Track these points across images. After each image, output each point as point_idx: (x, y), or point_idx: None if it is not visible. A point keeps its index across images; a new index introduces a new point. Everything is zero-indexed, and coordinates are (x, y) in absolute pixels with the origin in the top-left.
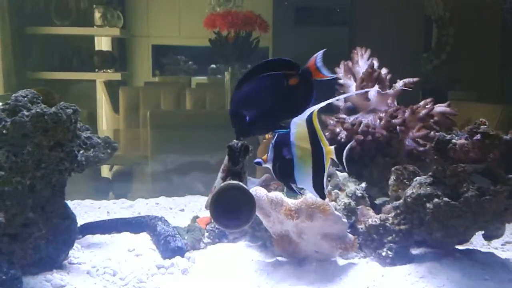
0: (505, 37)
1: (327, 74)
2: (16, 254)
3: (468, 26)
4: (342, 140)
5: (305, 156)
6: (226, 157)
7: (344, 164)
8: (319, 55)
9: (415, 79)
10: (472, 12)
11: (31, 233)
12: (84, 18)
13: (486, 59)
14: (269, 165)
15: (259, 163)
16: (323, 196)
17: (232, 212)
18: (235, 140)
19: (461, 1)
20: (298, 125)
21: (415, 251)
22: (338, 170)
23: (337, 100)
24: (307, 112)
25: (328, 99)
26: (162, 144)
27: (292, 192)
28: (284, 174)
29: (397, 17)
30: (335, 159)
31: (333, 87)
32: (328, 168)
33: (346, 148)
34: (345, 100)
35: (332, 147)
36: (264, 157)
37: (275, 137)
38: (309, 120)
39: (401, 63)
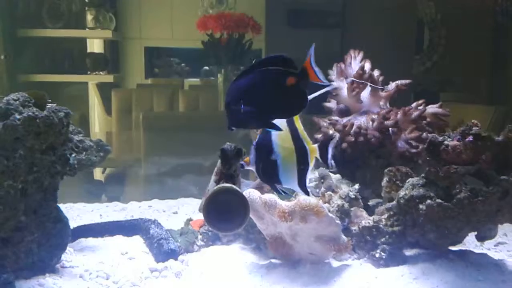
0: (496, 39)
1: (321, 78)
2: (9, 258)
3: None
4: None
5: (288, 156)
6: (219, 160)
7: (329, 162)
8: (312, 55)
9: (408, 81)
10: (464, 14)
11: (24, 237)
12: (76, 20)
13: (478, 61)
14: (252, 167)
15: (241, 166)
16: (307, 193)
17: (226, 215)
18: (228, 143)
19: (453, 3)
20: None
21: (408, 252)
22: (331, 172)
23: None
24: (286, 120)
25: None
26: (155, 147)
27: (277, 193)
28: (268, 175)
29: (389, 20)
30: (319, 158)
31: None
32: (312, 166)
33: (330, 146)
34: (338, 102)
35: (316, 145)
36: (246, 159)
37: (257, 138)
38: (290, 120)
39: (393, 65)
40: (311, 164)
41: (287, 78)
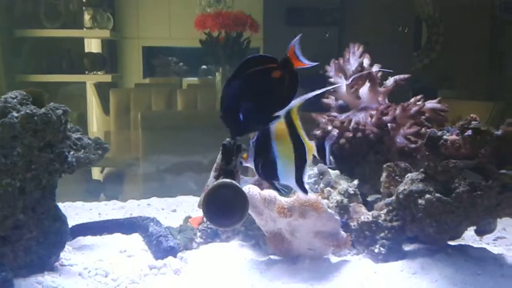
0: (494, 35)
1: (306, 62)
2: (7, 256)
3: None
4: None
5: (286, 153)
6: (219, 156)
7: (327, 160)
8: (296, 43)
9: (406, 76)
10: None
11: (22, 235)
12: (74, 20)
13: (476, 58)
14: (250, 164)
15: (241, 163)
16: (305, 191)
17: (225, 210)
18: (228, 139)
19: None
20: (276, 123)
21: (407, 247)
22: (330, 168)
23: (313, 96)
24: (284, 111)
25: (306, 95)
26: (153, 146)
27: (276, 190)
28: (266, 172)
29: (387, 16)
30: (316, 155)
31: (324, 85)
32: (309, 163)
33: (327, 144)
34: (336, 98)
35: (313, 143)
36: (244, 155)
37: (256, 135)
38: (288, 117)
39: (391, 62)
40: (309, 161)
41: (272, 73)
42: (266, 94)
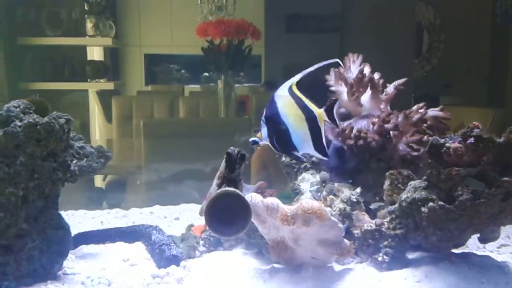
0: (495, 42)
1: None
2: (10, 265)
3: (458, 32)
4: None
5: (299, 123)
6: (222, 164)
7: (337, 122)
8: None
9: (404, 80)
10: (463, 18)
11: (25, 244)
12: (76, 28)
13: (477, 64)
14: (265, 141)
15: (256, 142)
16: (326, 155)
17: (228, 219)
18: (232, 147)
19: (452, 7)
20: (282, 97)
21: (411, 255)
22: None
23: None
24: (286, 86)
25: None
26: (155, 153)
27: (298, 160)
28: (284, 145)
29: (388, 24)
30: (328, 120)
31: (326, 93)
32: (323, 129)
33: (335, 108)
34: (338, 106)
35: (322, 110)
36: (259, 134)
37: (264, 113)
38: (292, 91)
39: (392, 69)
40: (322, 127)
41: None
42: None
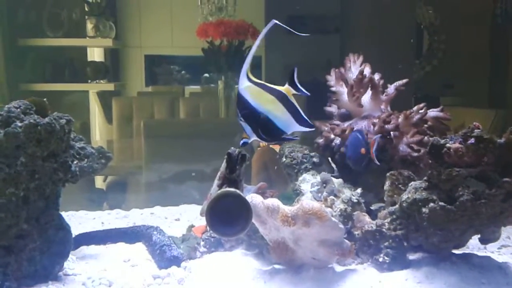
0: (495, 42)
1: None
2: (11, 266)
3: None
4: (336, 146)
5: (275, 105)
6: (223, 165)
7: (303, 90)
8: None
9: (405, 80)
10: (463, 18)
11: (26, 244)
12: (77, 29)
13: (477, 65)
14: (254, 138)
15: (245, 143)
16: (310, 126)
17: (229, 219)
18: (232, 148)
19: (452, 8)
20: (247, 88)
21: (411, 256)
22: (333, 176)
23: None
24: (244, 77)
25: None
26: (156, 154)
27: (290, 141)
28: (271, 133)
29: (388, 24)
30: (296, 92)
31: (326, 94)
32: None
33: (295, 73)
34: (339, 107)
35: (286, 85)
36: (244, 135)
37: (238, 113)
38: (251, 80)
39: (392, 70)
40: (294, 101)
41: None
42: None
